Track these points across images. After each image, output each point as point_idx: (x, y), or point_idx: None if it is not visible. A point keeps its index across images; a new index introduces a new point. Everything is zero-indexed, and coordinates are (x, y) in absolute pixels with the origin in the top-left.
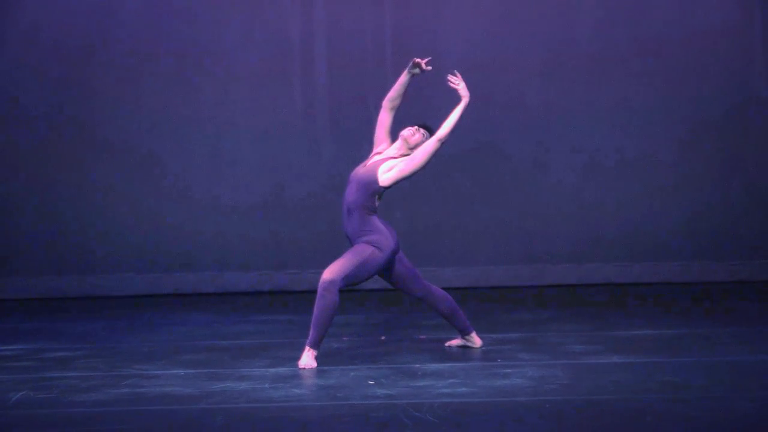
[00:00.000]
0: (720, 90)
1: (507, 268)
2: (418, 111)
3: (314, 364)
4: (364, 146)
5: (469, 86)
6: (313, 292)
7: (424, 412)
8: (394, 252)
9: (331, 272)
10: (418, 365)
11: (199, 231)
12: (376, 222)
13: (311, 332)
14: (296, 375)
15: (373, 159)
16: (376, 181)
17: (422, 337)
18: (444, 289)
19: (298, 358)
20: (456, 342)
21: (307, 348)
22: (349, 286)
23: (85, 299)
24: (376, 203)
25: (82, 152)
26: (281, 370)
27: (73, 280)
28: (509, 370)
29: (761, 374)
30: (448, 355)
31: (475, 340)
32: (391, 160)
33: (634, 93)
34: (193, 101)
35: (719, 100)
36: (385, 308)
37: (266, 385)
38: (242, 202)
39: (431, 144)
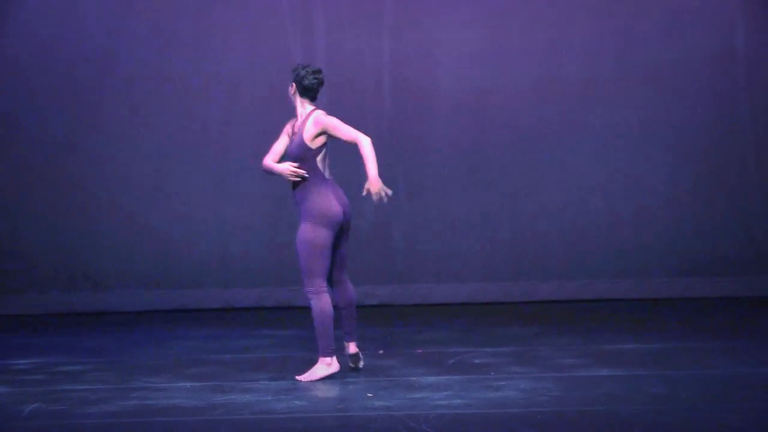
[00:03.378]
0: (705, 114)
1: (500, 285)
2: (414, 128)
3: (331, 371)
4: (361, 168)
5: (463, 109)
6: None
7: (421, 423)
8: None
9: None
10: (414, 378)
11: (205, 249)
12: (315, 188)
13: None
14: (298, 387)
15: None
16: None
17: (419, 351)
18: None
19: (301, 371)
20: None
21: (320, 358)
22: (324, 276)
23: (94, 315)
24: (317, 166)
25: (92, 173)
26: (284, 382)
27: (83, 297)
28: (502, 383)
29: (745, 387)
30: (444, 368)
31: (349, 348)
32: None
33: (622, 116)
34: (199, 124)
35: (704, 124)
36: (383, 323)
37: (269, 397)
38: (246, 221)
39: (359, 138)
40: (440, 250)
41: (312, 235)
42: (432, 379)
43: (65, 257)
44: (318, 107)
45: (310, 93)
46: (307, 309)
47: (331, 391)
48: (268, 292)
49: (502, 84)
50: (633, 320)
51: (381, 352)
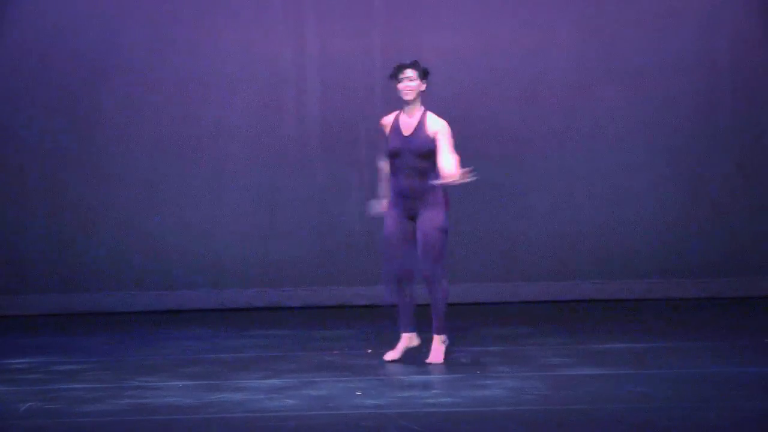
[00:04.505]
0: (690, 118)
1: (488, 286)
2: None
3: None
4: (354, 170)
5: (452, 111)
6: (306, 308)
7: (410, 422)
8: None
9: None
10: (403, 377)
11: (199, 251)
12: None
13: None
14: (290, 386)
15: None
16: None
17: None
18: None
19: (293, 370)
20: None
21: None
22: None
23: (90, 315)
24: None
25: (88, 178)
26: (276, 381)
27: (79, 298)
28: (490, 382)
29: (727, 386)
30: (432, 367)
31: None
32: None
33: (608, 120)
34: (193, 129)
35: (689, 128)
36: (372, 323)
37: (261, 396)
38: (239, 224)
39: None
40: None
41: (446, 223)
42: (421, 377)
43: (61, 259)
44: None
45: None
46: (297, 309)
47: (322, 390)
48: (260, 293)
49: (490, 87)
50: (618, 320)
51: (369, 351)
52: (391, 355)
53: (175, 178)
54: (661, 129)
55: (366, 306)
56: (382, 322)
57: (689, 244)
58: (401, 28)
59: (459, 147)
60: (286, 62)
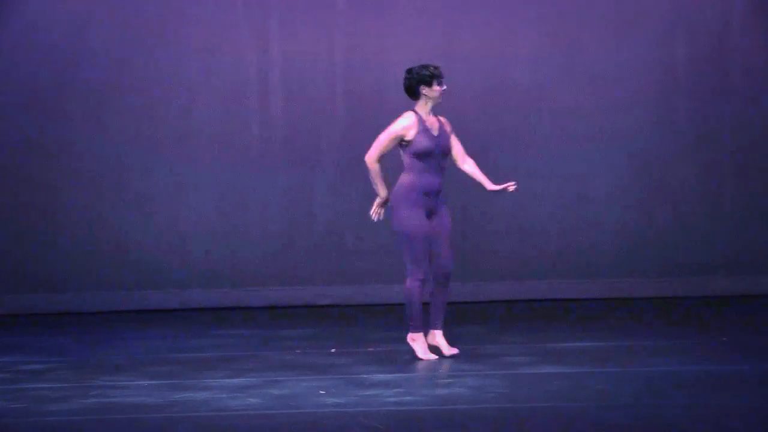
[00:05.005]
0: (648, 121)
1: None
2: (366, 134)
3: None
4: (318, 171)
5: None
6: (271, 307)
7: (372, 420)
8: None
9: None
10: (365, 375)
11: (164, 251)
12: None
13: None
14: (253, 385)
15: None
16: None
17: (369, 349)
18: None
19: (258, 370)
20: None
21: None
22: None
23: (56, 315)
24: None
25: (52, 177)
26: (239, 381)
27: (44, 298)
28: (451, 380)
29: (684, 384)
30: (395, 366)
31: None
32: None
33: (569, 122)
34: (158, 130)
35: (647, 130)
36: (335, 323)
37: (225, 395)
38: (204, 224)
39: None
40: (391, 252)
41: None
42: (383, 376)
43: (26, 259)
44: (410, 108)
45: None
46: (262, 309)
47: (284, 389)
48: (225, 293)
49: (451, 89)
50: (579, 319)
51: (333, 350)
52: (426, 356)
53: (140, 178)
54: (621, 131)
55: (330, 306)
56: (345, 322)
57: (650, 244)
58: (364, 30)
59: None
60: (249, 63)
